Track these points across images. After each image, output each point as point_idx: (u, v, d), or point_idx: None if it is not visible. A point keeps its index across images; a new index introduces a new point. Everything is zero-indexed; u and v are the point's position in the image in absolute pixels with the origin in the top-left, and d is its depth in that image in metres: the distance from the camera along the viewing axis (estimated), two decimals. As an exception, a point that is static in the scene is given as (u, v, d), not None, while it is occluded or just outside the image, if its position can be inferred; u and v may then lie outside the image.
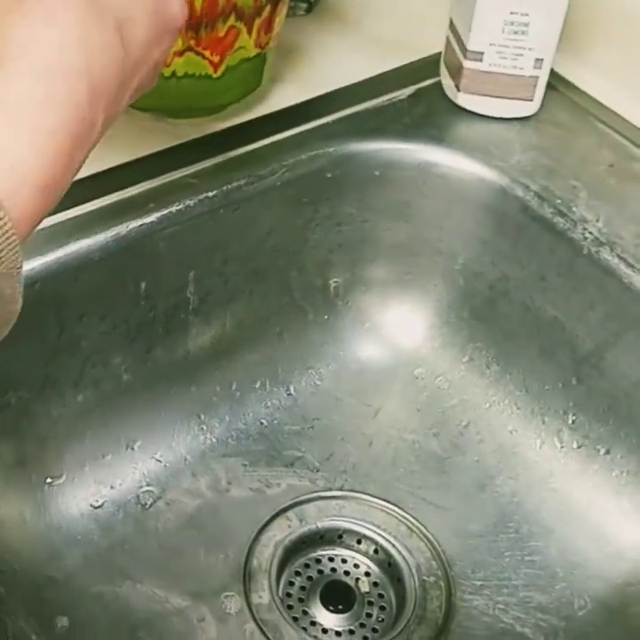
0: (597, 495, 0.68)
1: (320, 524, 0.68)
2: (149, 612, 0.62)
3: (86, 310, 0.62)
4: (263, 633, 0.62)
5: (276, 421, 0.72)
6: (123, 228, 0.61)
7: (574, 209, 0.67)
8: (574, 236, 0.66)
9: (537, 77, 0.71)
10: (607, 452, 0.68)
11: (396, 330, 0.75)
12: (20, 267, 0.35)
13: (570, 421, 0.70)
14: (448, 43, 0.73)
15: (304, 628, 0.63)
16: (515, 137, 0.72)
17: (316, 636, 0.63)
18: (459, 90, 0.73)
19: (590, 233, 0.65)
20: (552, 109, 0.74)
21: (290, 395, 0.73)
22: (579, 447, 0.69)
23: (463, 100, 0.73)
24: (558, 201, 0.67)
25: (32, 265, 0.58)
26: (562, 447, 0.70)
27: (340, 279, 0.74)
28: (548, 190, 0.68)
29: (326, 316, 0.75)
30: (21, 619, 0.49)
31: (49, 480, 0.65)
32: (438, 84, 0.75)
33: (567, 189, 0.68)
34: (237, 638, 0.61)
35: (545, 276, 0.69)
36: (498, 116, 0.73)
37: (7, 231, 0.34)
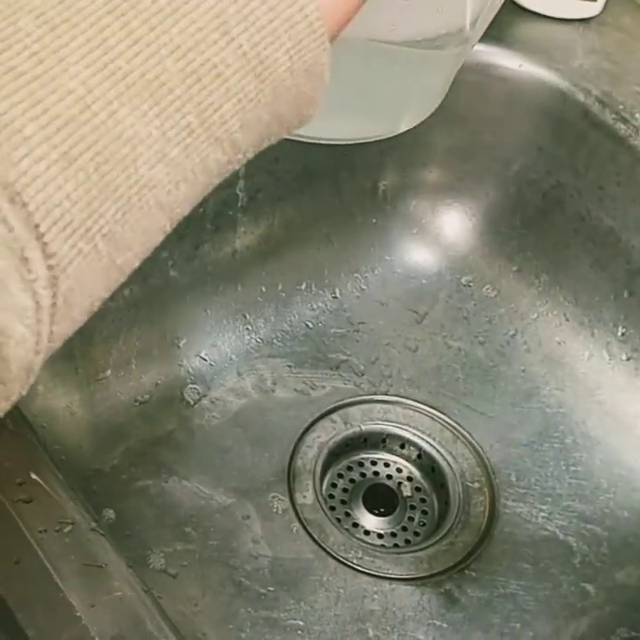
0: (644, 408, 0.68)
1: (364, 428, 0.67)
2: (194, 508, 0.62)
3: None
4: (308, 532, 0.62)
5: (321, 324, 0.71)
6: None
7: (637, 115, 0.65)
8: (636, 143, 0.64)
9: (603, -24, 0.69)
10: (656, 366, 0.67)
11: (444, 236, 0.74)
12: (325, 63, 0.29)
13: (619, 334, 0.69)
14: (512, -62, 0.71)
15: (346, 529, 0.63)
16: (577, 40, 0.70)
17: (358, 538, 0.63)
18: (520, -12, 0.71)
19: (654, 141, 0.64)
20: (615, 13, 0.72)
21: (335, 298, 0.72)
22: (627, 360, 0.68)
23: (524, -2, 0.71)
24: (621, 107, 0.65)
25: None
26: (610, 359, 0.69)
27: (390, 182, 0.73)
28: (610, 96, 0.66)
29: (374, 220, 0.73)
30: (73, 509, 0.49)
31: (95, 374, 0.64)
32: (498, -17, 0.73)
33: (630, 95, 0.66)
34: (283, 536, 0.61)
35: (603, 186, 0.67)
36: (559, 16, 0.71)
37: (312, 19, 0.28)
